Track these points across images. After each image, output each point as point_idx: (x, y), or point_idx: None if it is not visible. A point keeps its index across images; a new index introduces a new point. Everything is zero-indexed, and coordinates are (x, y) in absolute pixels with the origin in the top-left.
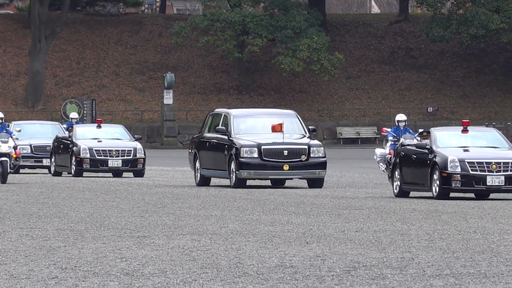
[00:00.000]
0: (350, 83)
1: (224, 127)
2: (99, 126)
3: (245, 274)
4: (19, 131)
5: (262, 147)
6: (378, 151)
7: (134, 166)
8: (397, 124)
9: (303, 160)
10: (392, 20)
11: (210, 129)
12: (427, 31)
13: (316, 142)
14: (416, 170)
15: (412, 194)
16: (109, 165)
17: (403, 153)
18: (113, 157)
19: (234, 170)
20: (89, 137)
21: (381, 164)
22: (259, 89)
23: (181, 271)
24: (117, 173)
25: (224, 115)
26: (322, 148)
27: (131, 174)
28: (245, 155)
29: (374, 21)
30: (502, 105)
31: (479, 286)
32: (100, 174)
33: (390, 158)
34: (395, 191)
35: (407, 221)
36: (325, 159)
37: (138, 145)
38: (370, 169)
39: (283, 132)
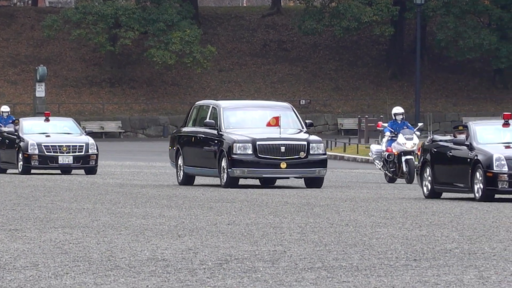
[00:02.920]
0: (222, 76)
1: (213, 121)
2: (47, 120)
3: (117, 267)
4: None
5: (257, 142)
6: (374, 147)
7: (86, 163)
8: (394, 117)
9: (302, 157)
10: (264, 13)
11: (195, 123)
12: (300, 24)
13: (315, 137)
14: (452, 169)
15: (444, 195)
16: (59, 162)
17: (435, 150)
18: (63, 153)
19: (225, 168)
20: (36, 131)
21: (377, 162)
22: (131, 82)
23: (53, 264)
24: (66, 170)
25: (213, 107)
26: (322, 144)
27: (82, 171)
28: (238, 152)
29: (246, 14)
30: (374, 97)
31: (351, 279)
32: (48, 171)
33: (388, 155)
34: (425, 191)
35: (279, 214)
36: (325, 156)
37: (90, 140)
38: None
39: (279, 126)
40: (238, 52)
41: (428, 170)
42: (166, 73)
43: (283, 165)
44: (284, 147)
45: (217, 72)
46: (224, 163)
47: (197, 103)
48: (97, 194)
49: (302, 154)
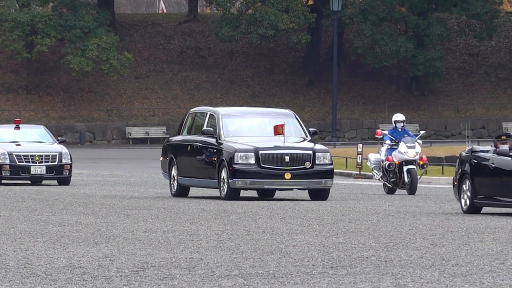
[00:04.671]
0: (139, 82)
1: (211, 128)
2: (17, 127)
3: (34, 274)
4: None
5: (260, 152)
6: (373, 156)
7: (60, 173)
8: (394, 125)
9: (307, 167)
10: (181, 20)
11: (190, 131)
12: (217, 31)
13: (321, 147)
14: (495, 182)
15: (484, 209)
16: (31, 172)
17: (475, 161)
18: (35, 163)
19: (225, 179)
20: (6, 139)
21: (376, 171)
22: (48, 89)
23: None
24: (37, 180)
25: (210, 114)
26: (328, 154)
27: (54, 182)
28: (239, 161)
29: (163, 21)
30: (291, 104)
31: (267, 286)
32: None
33: (388, 164)
34: (464, 206)
35: (196, 222)
36: (332, 166)
37: (64, 149)
38: (159, 169)
39: (284, 134)
40: (155, 59)
41: (467, 183)
42: (82, 80)
43: (288, 175)
44: (288, 157)
45: (134, 79)
46: (224, 174)
47: (192, 110)
48: (13, 201)
49: (308, 164)
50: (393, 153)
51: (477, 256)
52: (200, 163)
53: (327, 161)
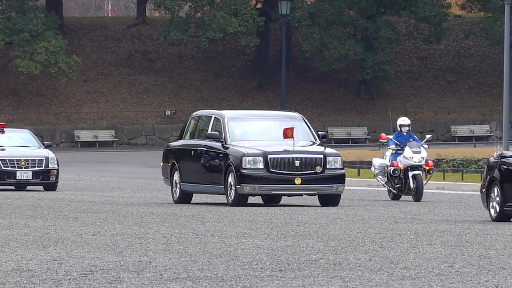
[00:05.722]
0: (87, 86)
1: (216, 132)
2: (2, 131)
3: None
4: None
5: (269, 156)
6: (377, 161)
7: (46, 179)
8: (399, 129)
9: (318, 172)
10: (129, 23)
11: (194, 135)
12: (165, 34)
13: (332, 150)
14: None
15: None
16: (17, 178)
17: (504, 167)
18: (21, 168)
19: (233, 184)
20: None
21: (380, 177)
22: None
23: None
24: (21, 186)
25: (215, 117)
26: (339, 158)
27: (39, 188)
28: (247, 166)
29: (111, 24)
30: (240, 108)
31: None
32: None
33: (393, 170)
34: (493, 214)
35: (145, 225)
36: (343, 171)
37: (50, 154)
38: (108, 172)
39: (293, 138)
40: (104, 63)
41: (496, 189)
42: (31, 83)
43: (298, 180)
44: (298, 161)
45: (83, 83)
46: (231, 179)
47: (194, 113)
48: None
49: (318, 169)
50: (398, 158)
51: (425, 259)
52: (205, 169)
53: (338, 166)
